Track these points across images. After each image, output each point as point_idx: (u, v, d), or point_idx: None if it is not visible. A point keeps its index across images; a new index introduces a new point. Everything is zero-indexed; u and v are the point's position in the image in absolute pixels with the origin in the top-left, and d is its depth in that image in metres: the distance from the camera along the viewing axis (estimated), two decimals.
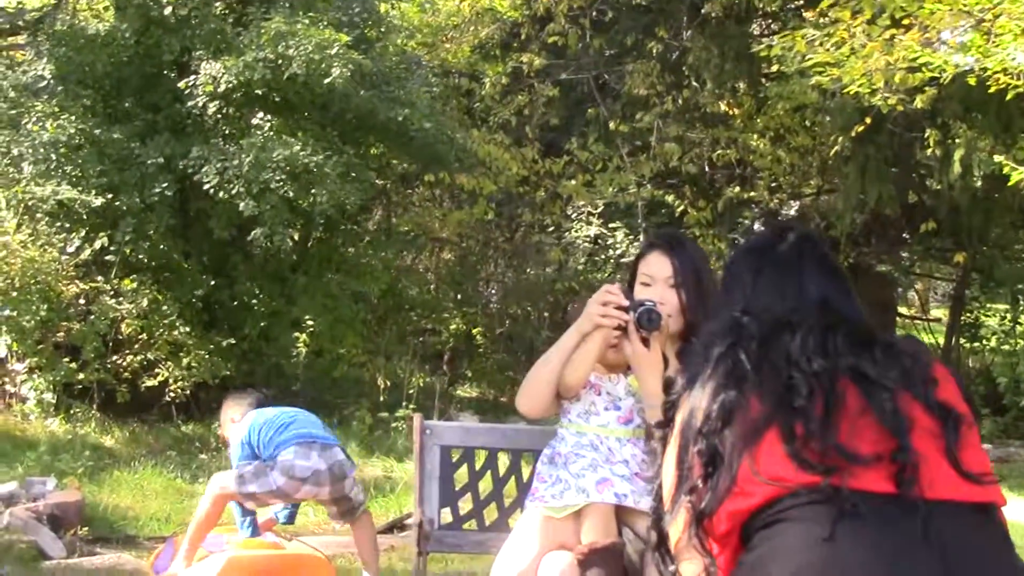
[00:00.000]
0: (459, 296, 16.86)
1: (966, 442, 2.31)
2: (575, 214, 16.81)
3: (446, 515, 4.43)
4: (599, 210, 16.44)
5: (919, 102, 12.59)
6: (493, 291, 17.83)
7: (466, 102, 16.81)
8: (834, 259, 2.76)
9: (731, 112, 16.02)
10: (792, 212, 17.99)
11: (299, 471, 5.55)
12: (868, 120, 10.32)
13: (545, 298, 16.96)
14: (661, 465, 2.56)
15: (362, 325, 13.53)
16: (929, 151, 14.36)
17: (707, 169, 16.86)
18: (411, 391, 13.03)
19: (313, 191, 11.52)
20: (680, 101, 15.82)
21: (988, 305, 18.58)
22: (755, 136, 15.95)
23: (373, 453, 11.49)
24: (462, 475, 4.44)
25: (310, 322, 12.51)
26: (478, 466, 4.48)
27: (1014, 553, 2.28)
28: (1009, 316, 17.79)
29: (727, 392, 2.37)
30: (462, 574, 6.10)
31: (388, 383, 13.33)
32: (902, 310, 21.47)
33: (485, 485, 4.46)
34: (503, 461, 4.51)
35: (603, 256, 17.22)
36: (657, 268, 3.96)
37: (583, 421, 3.97)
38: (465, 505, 4.45)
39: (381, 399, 13.11)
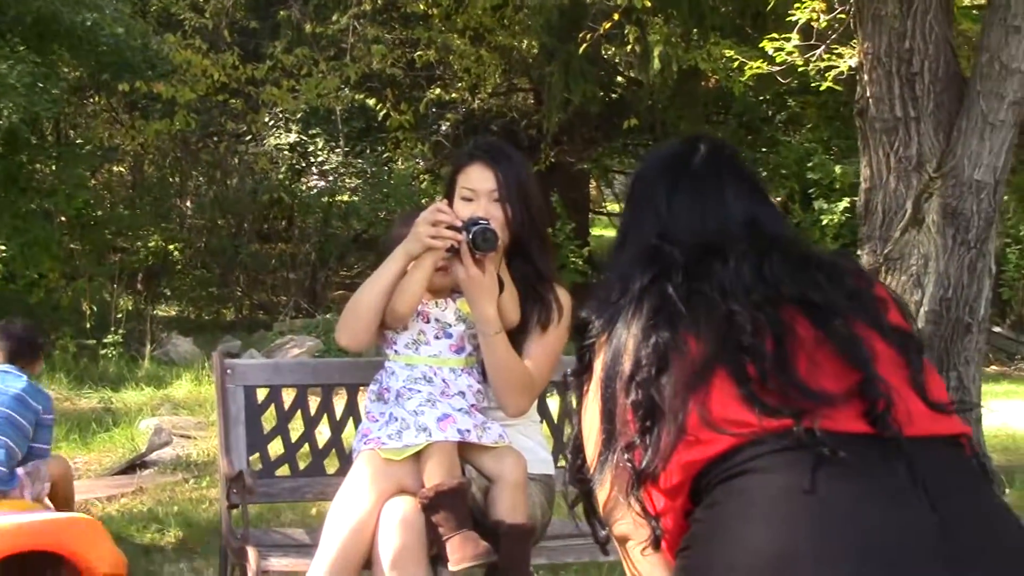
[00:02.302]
0: (156, 211, 16.03)
1: (927, 370, 2.13)
2: (272, 121, 16.22)
3: (254, 462, 4.04)
4: (298, 116, 15.93)
5: None
6: (189, 204, 17.06)
7: (141, 4, 15.86)
8: (753, 171, 2.50)
9: (429, 12, 15.73)
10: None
11: None
12: (616, 16, 10.29)
13: (248, 210, 16.36)
14: (579, 417, 2.28)
15: (57, 247, 12.63)
16: (628, 48, 14.55)
17: (407, 71, 16.54)
18: (119, 315, 12.28)
19: None
20: (378, 1, 15.38)
21: None
22: (454, 36, 15.70)
23: (84, 384, 10.76)
24: (270, 417, 4.07)
25: (0, 247, 11.55)
26: (287, 406, 4.11)
27: (993, 487, 2.12)
28: None
29: (658, 333, 2.05)
30: (284, 527, 5.68)
31: (93, 308, 12.51)
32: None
33: (295, 426, 4.10)
34: (313, 399, 4.15)
35: (303, 164, 16.76)
36: (479, 181, 3.63)
37: (412, 352, 3.63)
38: (274, 450, 4.07)
39: (87, 325, 12.31)
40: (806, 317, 2.07)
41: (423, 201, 16.23)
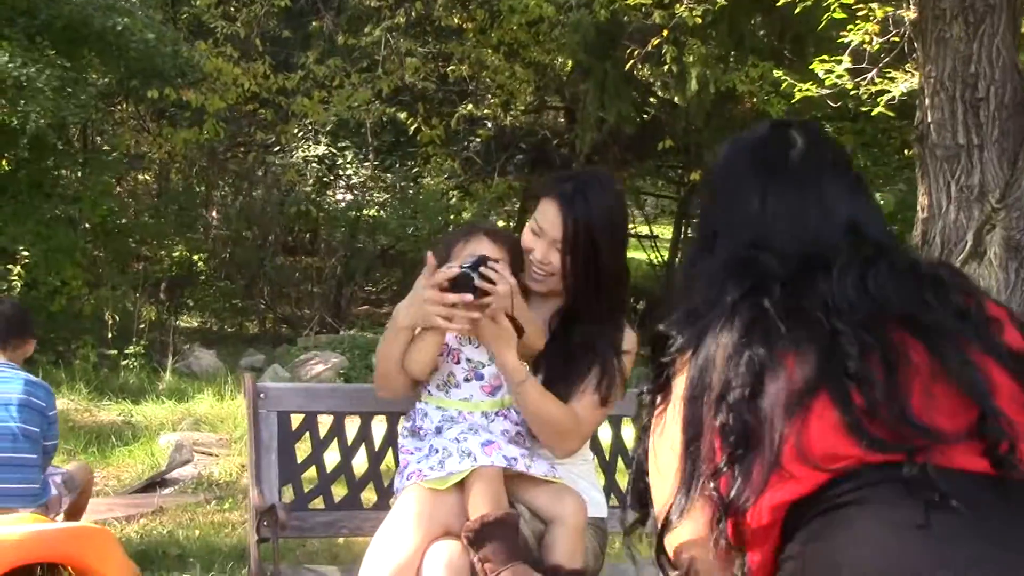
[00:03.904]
0: (181, 221, 15.83)
1: None
2: (301, 133, 16.03)
3: (287, 493, 3.79)
4: (327, 128, 15.74)
5: (656, 18, 12.47)
6: (215, 215, 16.86)
7: (172, 12, 15.73)
8: (852, 162, 2.18)
9: (464, 26, 15.55)
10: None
11: None
12: (665, 33, 10.09)
13: (274, 222, 16.15)
14: (648, 436, 1.99)
15: (81, 255, 12.41)
16: (666, 68, 14.32)
17: (439, 85, 16.36)
18: (141, 325, 12.06)
19: (26, 107, 10.37)
20: (412, 14, 15.20)
21: None
22: (488, 51, 15.50)
23: (104, 395, 10.52)
24: (304, 445, 3.81)
25: (23, 252, 11.36)
26: (322, 434, 3.85)
27: None
28: None
29: (753, 350, 1.81)
30: (313, 557, 5.41)
31: (115, 318, 12.29)
32: None
33: (331, 456, 3.84)
34: (351, 426, 3.89)
35: (331, 177, 16.57)
36: (549, 222, 3.33)
37: (443, 395, 3.33)
38: (308, 480, 3.82)
39: (109, 335, 12.09)
40: (919, 341, 1.81)
41: (451, 218, 16.02)
